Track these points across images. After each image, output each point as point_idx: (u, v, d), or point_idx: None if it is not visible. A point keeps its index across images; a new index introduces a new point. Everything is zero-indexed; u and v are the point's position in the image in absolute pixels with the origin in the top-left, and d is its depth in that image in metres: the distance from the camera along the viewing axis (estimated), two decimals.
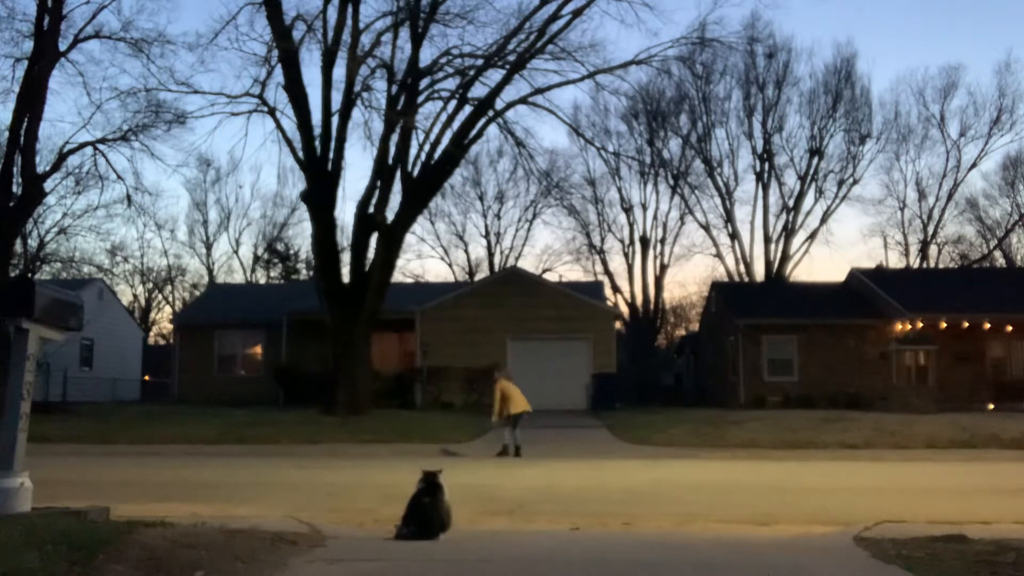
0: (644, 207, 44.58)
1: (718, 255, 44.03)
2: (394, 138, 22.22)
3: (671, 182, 43.85)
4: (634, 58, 23.94)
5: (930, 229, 45.25)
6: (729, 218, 43.14)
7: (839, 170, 42.92)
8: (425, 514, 5.69)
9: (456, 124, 22.84)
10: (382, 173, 22.30)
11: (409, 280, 44.92)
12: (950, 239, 46.79)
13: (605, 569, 4.85)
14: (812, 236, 42.98)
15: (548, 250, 73.10)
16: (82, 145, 24.55)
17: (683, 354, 43.80)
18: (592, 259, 47.29)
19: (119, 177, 25.97)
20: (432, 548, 5.41)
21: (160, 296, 55.20)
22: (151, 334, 51.66)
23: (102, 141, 24.49)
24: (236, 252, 55.03)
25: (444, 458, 13.11)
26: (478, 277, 46.06)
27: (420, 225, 45.77)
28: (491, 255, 49.17)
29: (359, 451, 14.59)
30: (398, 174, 22.68)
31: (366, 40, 22.35)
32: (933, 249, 46.08)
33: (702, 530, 6.50)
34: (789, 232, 42.56)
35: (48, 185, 25.25)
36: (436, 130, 22.72)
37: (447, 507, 5.84)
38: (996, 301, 26.92)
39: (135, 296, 53.50)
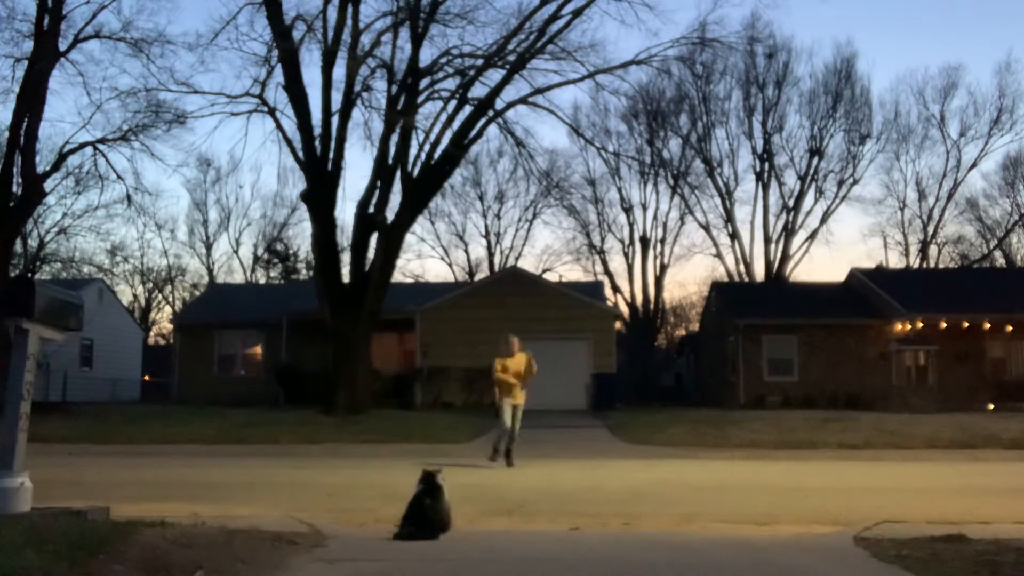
0: (644, 207, 44.67)
1: (718, 255, 44.10)
2: (394, 138, 22.21)
3: (671, 182, 43.90)
4: (634, 58, 23.97)
5: (930, 229, 45.33)
6: (729, 218, 43.18)
7: (839, 170, 43.01)
8: (425, 514, 5.70)
9: (456, 124, 22.85)
10: (382, 173, 22.29)
11: (409, 280, 44.95)
12: (950, 239, 46.90)
13: (605, 569, 4.85)
14: (812, 236, 43.05)
15: (548, 250, 73.15)
16: (82, 145, 24.55)
17: (683, 354, 43.81)
18: (592, 259, 47.37)
19: (119, 177, 26.00)
20: (432, 548, 5.41)
21: (160, 296, 55.27)
22: (151, 334, 51.68)
23: (102, 141, 24.49)
24: (236, 252, 55.05)
25: (444, 458, 13.09)
26: (478, 277, 46.07)
27: (420, 225, 45.84)
28: (491, 255, 49.23)
29: (359, 451, 14.58)
30: (398, 174, 22.66)
31: (366, 40, 22.37)
32: (933, 249, 46.17)
33: (702, 530, 6.50)
34: (789, 232, 42.59)
35: (48, 185, 25.27)
36: (436, 130, 22.74)
37: (447, 507, 5.84)
38: (996, 301, 26.91)
39: (135, 296, 53.57)
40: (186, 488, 9.03)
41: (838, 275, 45.75)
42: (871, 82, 74.08)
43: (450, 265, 50.22)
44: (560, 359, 26.96)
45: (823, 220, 42.91)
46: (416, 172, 22.75)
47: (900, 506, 7.73)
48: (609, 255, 47.32)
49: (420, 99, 22.68)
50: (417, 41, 22.25)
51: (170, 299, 54.42)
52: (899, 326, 26.61)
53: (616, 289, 45.29)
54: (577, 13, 22.70)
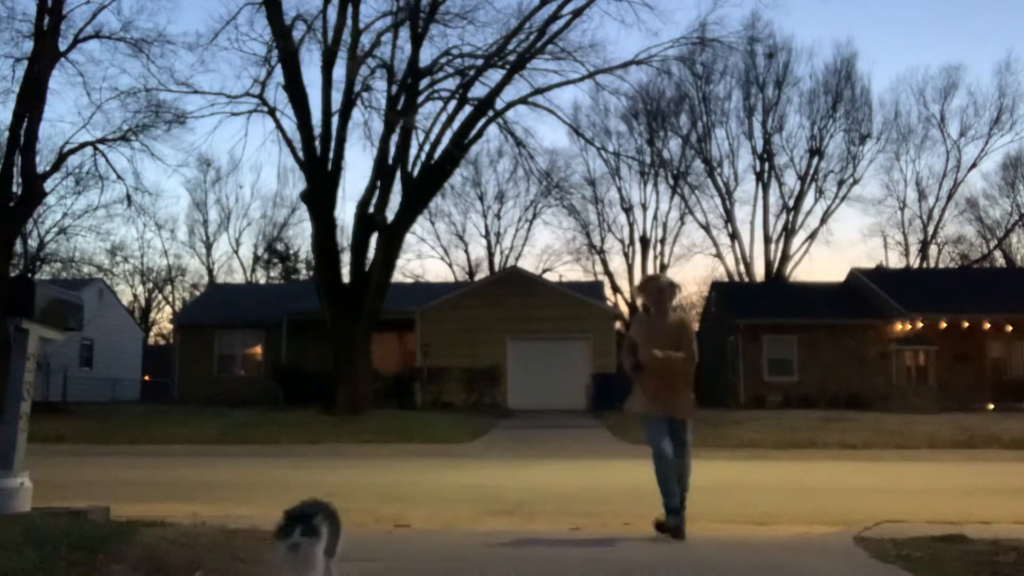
0: (644, 207, 44.71)
1: (718, 255, 44.15)
2: (394, 138, 22.22)
3: (671, 182, 43.92)
4: (634, 58, 24.00)
5: (930, 229, 45.37)
6: (729, 218, 43.22)
7: (839, 170, 43.06)
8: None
9: (456, 124, 22.88)
10: (382, 173, 22.29)
11: (409, 280, 44.97)
12: (950, 239, 46.95)
13: (605, 569, 4.84)
14: (812, 236, 43.10)
15: (548, 250, 73.28)
16: (82, 145, 24.57)
17: None
18: (592, 259, 47.40)
19: (119, 177, 26.04)
20: (432, 548, 5.41)
21: (160, 296, 55.30)
22: (151, 334, 51.71)
23: (102, 141, 24.51)
24: (236, 252, 55.18)
25: (444, 458, 13.09)
26: (478, 277, 46.09)
27: (420, 225, 45.89)
28: (491, 255, 49.26)
29: (359, 451, 14.58)
30: (398, 174, 22.67)
31: (366, 40, 22.39)
32: (933, 249, 46.21)
33: (702, 530, 6.49)
34: (789, 232, 42.63)
35: (48, 185, 25.26)
36: (436, 130, 22.77)
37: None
38: (996, 301, 26.92)
39: (135, 296, 53.61)
40: (186, 488, 9.03)
41: (838, 275, 45.70)
42: (871, 82, 74.23)
43: (450, 265, 50.32)
44: (560, 359, 27.00)
45: (823, 220, 43.00)
46: (416, 172, 22.76)
47: (900, 506, 7.72)
48: (609, 255, 47.47)
49: (420, 99, 22.71)
50: (417, 41, 22.27)
51: (170, 299, 54.52)
52: (899, 326, 26.61)
53: (616, 289, 45.38)
54: (577, 13, 22.75)
